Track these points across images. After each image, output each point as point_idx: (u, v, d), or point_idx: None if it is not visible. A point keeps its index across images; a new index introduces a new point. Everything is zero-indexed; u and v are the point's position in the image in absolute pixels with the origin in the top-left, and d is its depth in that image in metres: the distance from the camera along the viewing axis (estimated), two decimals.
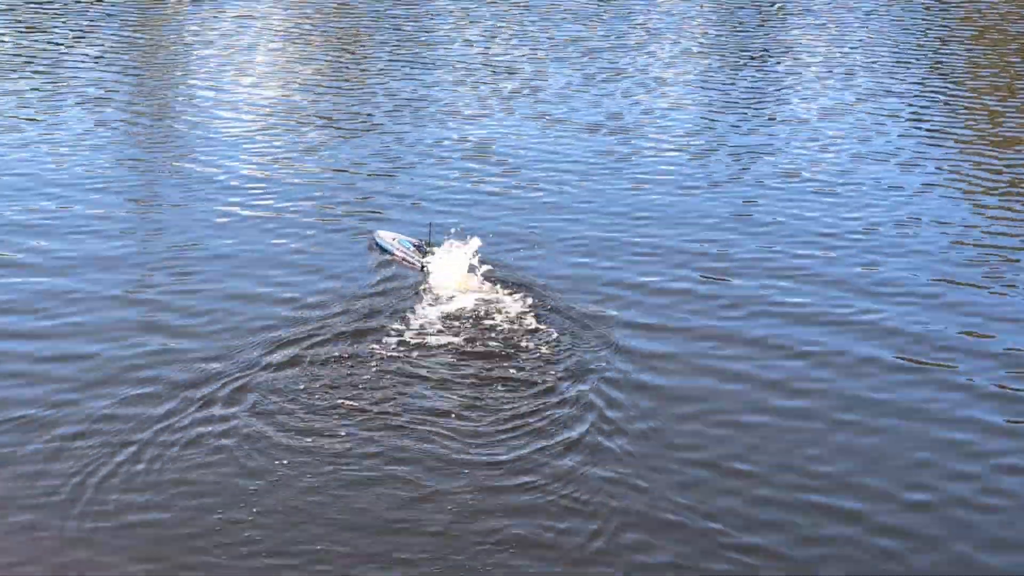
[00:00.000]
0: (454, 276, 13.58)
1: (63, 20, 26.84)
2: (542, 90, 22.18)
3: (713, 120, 20.66)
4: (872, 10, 30.82)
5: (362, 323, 12.32)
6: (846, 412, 11.04)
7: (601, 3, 30.54)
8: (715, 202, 16.43)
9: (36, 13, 27.44)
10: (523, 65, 24.09)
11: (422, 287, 13.47)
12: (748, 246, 14.83)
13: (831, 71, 24.48)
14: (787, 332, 12.51)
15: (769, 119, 20.85)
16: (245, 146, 18.44)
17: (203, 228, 15.04)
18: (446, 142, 18.89)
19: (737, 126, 20.31)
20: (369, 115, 20.34)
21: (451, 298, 13.11)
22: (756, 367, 11.78)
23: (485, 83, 22.62)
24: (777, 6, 31.10)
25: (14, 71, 22.36)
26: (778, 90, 22.91)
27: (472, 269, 13.53)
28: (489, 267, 13.43)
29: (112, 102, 20.57)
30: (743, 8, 30.89)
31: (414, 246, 14.50)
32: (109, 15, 27.48)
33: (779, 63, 25.22)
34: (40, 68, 22.66)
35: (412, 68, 23.60)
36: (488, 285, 13.39)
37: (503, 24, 27.96)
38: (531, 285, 13.30)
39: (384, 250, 14.67)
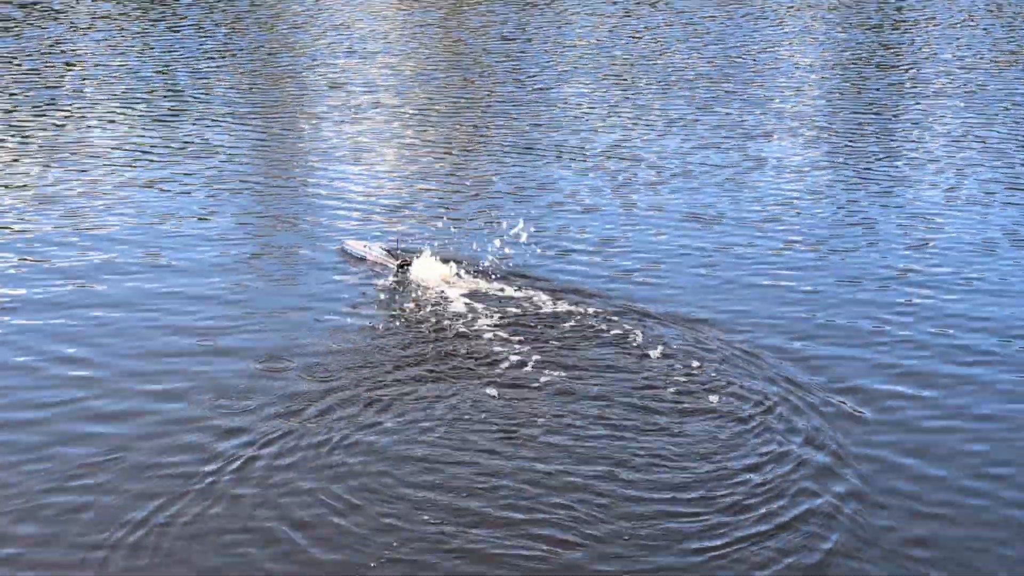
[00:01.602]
0: (434, 271, 14.99)
1: (186, 103, 26.87)
2: (680, 177, 21.40)
3: (852, 208, 19.70)
4: (1004, 64, 29.48)
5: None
6: None
7: (736, 89, 29.76)
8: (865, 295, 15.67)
9: (170, 101, 27.51)
10: (648, 152, 23.30)
11: (402, 284, 15.01)
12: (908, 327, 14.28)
13: (970, 147, 23.48)
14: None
15: (908, 213, 19.70)
16: (363, 218, 17.95)
17: (312, 279, 15.50)
18: (584, 234, 18.11)
19: (876, 217, 19.34)
20: (487, 206, 19.54)
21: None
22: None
23: (609, 170, 21.90)
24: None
25: (143, 157, 22.31)
26: (918, 175, 21.84)
27: (450, 265, 15.06)
28: (467, 266, 15.03)
29: (234, 172, 20.34)
30: (876, 90, 29.79)
31: (385, 251, 15.81)
32: (238, 91, 27.49)
33: (919, 143, 24.10)
34: (166, 156, 22.55)
35: (534, 155, 22.95)
36: (469, 279, 14.88)
37: (627, 105, 27.27)
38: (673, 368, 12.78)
39: (356, 256, 15.96)
